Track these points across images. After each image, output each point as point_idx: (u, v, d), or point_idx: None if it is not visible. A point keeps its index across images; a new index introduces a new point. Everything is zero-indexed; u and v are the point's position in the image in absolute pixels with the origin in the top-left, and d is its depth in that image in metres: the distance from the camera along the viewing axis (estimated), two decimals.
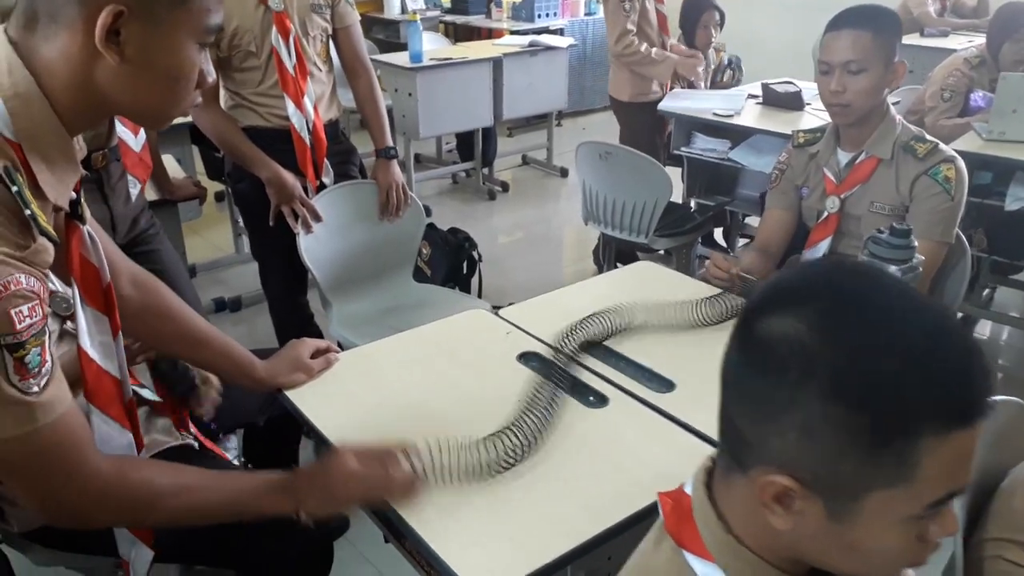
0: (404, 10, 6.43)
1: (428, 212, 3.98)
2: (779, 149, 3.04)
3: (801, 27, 5.97)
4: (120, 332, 1.15)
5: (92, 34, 0.90)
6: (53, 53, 0.92)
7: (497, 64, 4.74)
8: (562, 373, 1.45)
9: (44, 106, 0.93)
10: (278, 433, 1.74)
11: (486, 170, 5.16)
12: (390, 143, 2.47)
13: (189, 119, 2.53)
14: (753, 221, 3.90)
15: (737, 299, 1.71)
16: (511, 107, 4.88)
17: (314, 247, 2.31)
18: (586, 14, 6.57)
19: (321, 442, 1.34)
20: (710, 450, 1.25)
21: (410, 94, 4.41)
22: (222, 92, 2.34)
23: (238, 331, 3.39)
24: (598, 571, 1.17)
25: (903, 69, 1.88)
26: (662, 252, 3.40)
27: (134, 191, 2.10)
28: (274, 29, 2.21)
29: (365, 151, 2.60)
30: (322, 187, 2.40)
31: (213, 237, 4.24)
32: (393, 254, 2.52)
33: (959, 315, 2.85)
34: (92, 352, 1.11)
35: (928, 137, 1.92)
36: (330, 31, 2.39)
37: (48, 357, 0.93)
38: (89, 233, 1.09)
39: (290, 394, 1.45)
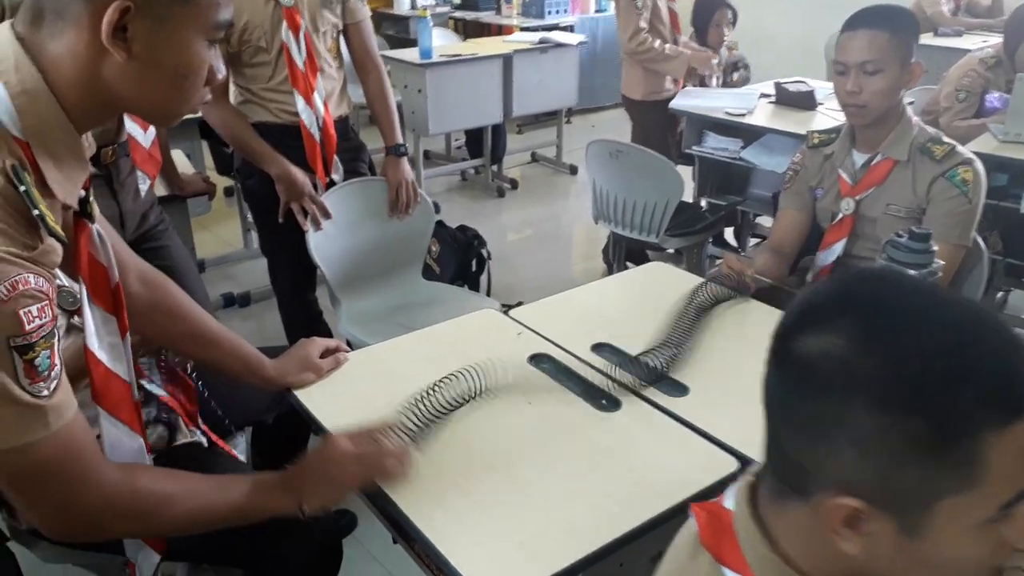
0: (414, 6, 6.42)
1: (437, 209, 3.96)
2: (791, 149, 3.04)
3: (811, 25, 5.95)
4: (128, 333, 1.14)
5: (99, 30, 0.88)
6: (60, 50, 0.91)
7: (507, 61, 4.72)
8: (573, 375, 1.43)
9: (52, 103, 0.91)
10: (287, 431, 1.73)
11: (495, 167, 5.14)
12: (400, 140, 2.46)
13: (199, 114, 2.52)
14: (764, 221, 3.87)
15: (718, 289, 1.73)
16: (521, 104, 4.86)
17: (323, 244, 2.30)
18: (596, 11, 6.54)
19: None
20: (724, 456, 1.26)
21: (420, 90, 4.40)
22: (232, 88, 2.33)
23: (247, 327, 3.38)
24: None
25: (920, 70, 1.85)
26: (672, 251, 3.38)
27: (143, 187, 2.09)
28: (284, 24, 2.19)
29: (375, 147, 2.59)
30: (331, 184, 2.39)
31: (222, 232, 4.24)
32: (402, 252, 2.51)
33: None
34: (100, 354, 1.09)
35: (945, 139, 1.89)
36: (340, 27, 2.37)
37: (57, 360, 0.92)
38: (98, 232, 1.07)
39: (299, 393, 1.44)
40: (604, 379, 1.45)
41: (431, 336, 1.65)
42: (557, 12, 6.18)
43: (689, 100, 3.55)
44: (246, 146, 2.30)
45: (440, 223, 2.93)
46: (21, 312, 0.86)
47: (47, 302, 0.89)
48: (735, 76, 4.13)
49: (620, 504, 1.15)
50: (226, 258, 3.96)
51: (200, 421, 1.50)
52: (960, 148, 1.87)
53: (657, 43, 3.57)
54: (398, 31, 6.47)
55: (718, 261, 3.73)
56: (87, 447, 0.97)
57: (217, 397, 1.55)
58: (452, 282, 2.91)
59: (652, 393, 1.42)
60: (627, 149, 3.00)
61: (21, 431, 0.89)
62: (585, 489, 1.19)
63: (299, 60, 2.24)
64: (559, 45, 4.95)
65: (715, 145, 3.40)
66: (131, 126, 2.10)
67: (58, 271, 1.02)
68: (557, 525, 1.12)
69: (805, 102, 3.45)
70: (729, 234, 3.89)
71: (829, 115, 3.27)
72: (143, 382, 1.35)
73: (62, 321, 1.09)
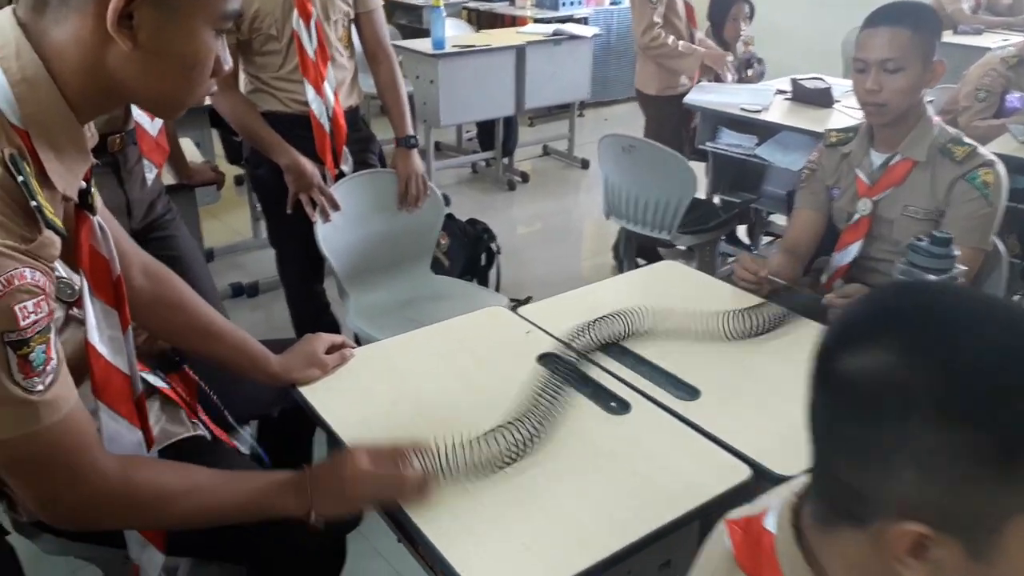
0: None
1: (447, 201, 3.94)
2: (807, 146, 3.00)
3: (828, 20, 5.89)
4: (130, 327, 1.12)
5: (104, 18, 0.85)
6: (63, 37, 0.88)
7: (520, 52, 4.67)
8: (582, 377, 1.41)
9: (53, 91, 0.89)
10: (292, 424, 1.71)
11: (506, 160, 5.10)
12: (411, 132, 2.43)
13: (208, 103, 2.50)
14: (778, 218, 3.83)
15: (768, 313, 1.64)
16: (533, 96, 4.82)
17: (331, 236, 2.28)
18: (611, 3, 6.48)
19: (333, 439, 1.31)
20: (736, 463, 1.23)
21: (432, 81, 4.36)
22: (242, 76, 2.31)
23: (255, 316, 3.37)
24: None
25: (942, 68, 1.81)
26: (684, 249, 3.34)
27: (150, 176, 2.07)
28: (295, 12, 2.17)
29: (385, 138, 2.56)
30: (341, 175, 2.36)
31: (232, 221, 4.23)
32: (411, 245, 2.48)
33: None
34: (101, 347, 1.07)
35: (966, 140, 1.85)
36: (352, 15, 2.34)
37: (53, 355, 0.90)
38: (99, 224, 1.05)
39: (303, 390, 1.42)
40: (614, 381, 1.42)
41: (438, 333, 1.62)
42: (571, 4, 6.12)
43: (704, 95, 3.51)
44: (255, 135, 2.28)
45: (450, 216, 2.90)
46: (16, 308, 0.84)
47: (43, 297, 0.87)
48: (750, 72, 4.08)
49: (629, 510, 1.12)
50: (235, 247, 3.94)
51: (202, 414, 1.48)
52: (982, 149, 1.83)
53: (670, 39, 3.52)
54: (411, 20, 6.43)
55: (730, 259, 3.71)
56: (85, 439, 0.96)
57: (221, 390, 1.53)
58: (461, 276, 2.89)
59: (663, 396, 1.39)
60: (640, 144, 2.97)
61: (11, 426, 0.88)
62: (593, 494, 1.16)
63: (310, 49, 2.21)
64: (573, 37, 4.90)
65: (729, 141, 3.36)
66: (138, 114, 2.08)
67: (57, 262, 1.00)
68: (564, 531, 1.09)
69: (822, 99, 3.40)
70: (741, 231, 3.85)
71: (846, 113, 3.23)
72: (146, 375, 1.33)
73: (60, 313, 1.07)
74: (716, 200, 3.57)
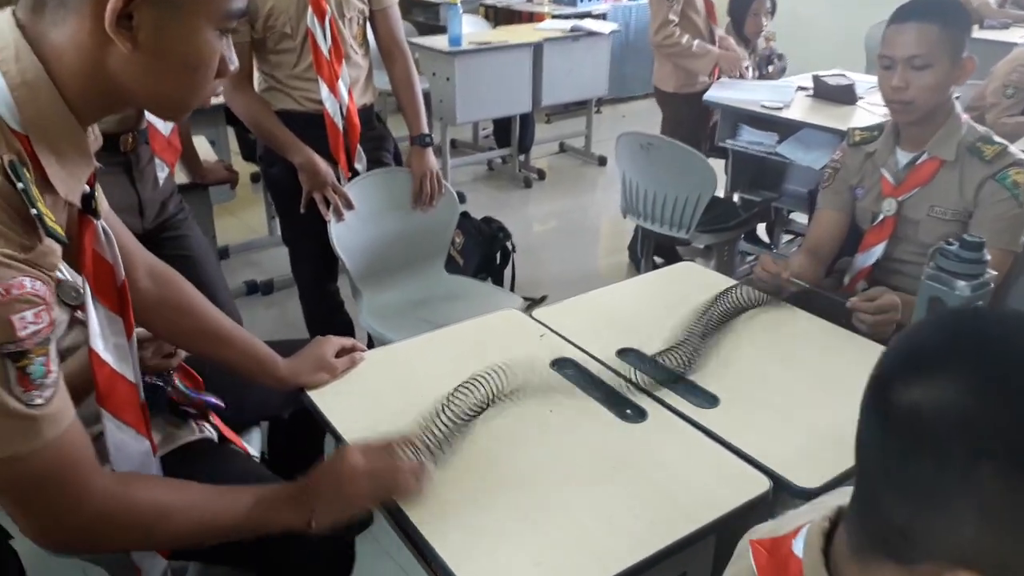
0: None
1: (462, 199, 3.91)
2: (829, 144, 2.94)
3: (851, 15, 5.80)
4: (135, 334, 1.09)
5: (102, 18, 0.82)
6: (62, 39, 0.85)
7: (537, 49, 4.63)
8: (596, 382, 1.37)
9: (53, 95, 0.86)
10: (302, 426, 1.70)
11: (523, 157, 5.07)
12: (425, 130, 2.41)
13: (222, 100, 2.48)
14: (798, 217, 3.77)
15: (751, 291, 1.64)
16: (550, 93, 4.77)
17: (345, 235, 2.26)
18: None
19: (340, 444, 1.29)
20: (755, 474, 1.19)
21: (448, 79, 4.33)
22: (256, 74, 2.29)
23: (270, 314, 3.36)
24: None
25: (972, 65, 1.76)
26: (702, 247, 3.30)
27: (162, 175, 2.06)
28: (310, 10, 2.15)
29: (401, 135, 2.53)
30: (355, 174, 2.34)
31: (247, 218, 4.22)
32: (425, 244, 2.46)
33: None
34: (105, 355, 1.05)
35: (996, 138, 1.80)
36: (367, 13, 2.32)
37: (53, 367, 0.87)
38: (103, 228, 1.03)
39: (312, 394, 1.39)
40: (630, 387, 1.39)
41: (451, 336, 1.59)
42: (589, 0, 6.07)
43: (724, 92, 3.45)
44: (269, 134, 2.26)
45: (465, 214, 2.88)
46: (14, 318, 0.81)
47: (43, 306, 0.85)
48: (771, 68, 4.02)
49: (644, 523, 1.09)
50: (250, 245, 3.94)
51: (212, 416, 1.46)
52: (1012, 148, 1.78)
53: (684, 38, 3.47)
54: (427, 18, 6.40)
55: (749, 258, 3.65)
56: (82, 457, 0.93)
57: (231, 391, 1.51)
58: (476, 275, 2.86)
59: (679, 403, 1.36)
60: (658, 142, 2.92)
61: (10, 442, 0.85)
62: (607, 506, 1.13)
63: (324, 47, 2.19)
64: (591, 33, 4.85)
65: (750, 139, 3.30)
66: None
67: (61, 265, 0.98)
68: (576, 544, 1.06)
69: (844, 96, 3.34)
70: (761, 230, 3.79)
71: (870, 110, 3.17)
72: (151, 377, 1.31)
73: (64, 316, 1.05)
74: (735, 198, 3.51)
